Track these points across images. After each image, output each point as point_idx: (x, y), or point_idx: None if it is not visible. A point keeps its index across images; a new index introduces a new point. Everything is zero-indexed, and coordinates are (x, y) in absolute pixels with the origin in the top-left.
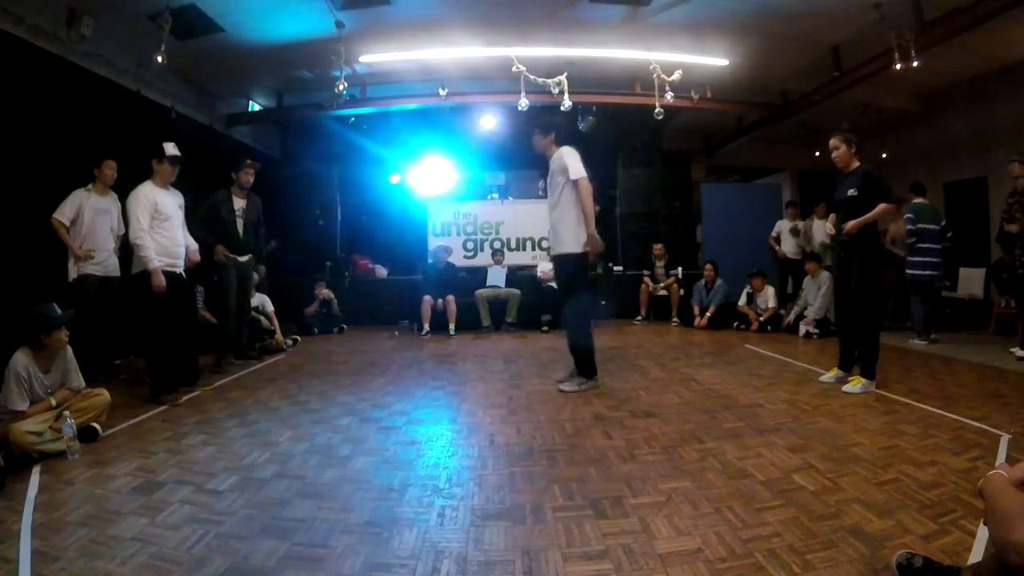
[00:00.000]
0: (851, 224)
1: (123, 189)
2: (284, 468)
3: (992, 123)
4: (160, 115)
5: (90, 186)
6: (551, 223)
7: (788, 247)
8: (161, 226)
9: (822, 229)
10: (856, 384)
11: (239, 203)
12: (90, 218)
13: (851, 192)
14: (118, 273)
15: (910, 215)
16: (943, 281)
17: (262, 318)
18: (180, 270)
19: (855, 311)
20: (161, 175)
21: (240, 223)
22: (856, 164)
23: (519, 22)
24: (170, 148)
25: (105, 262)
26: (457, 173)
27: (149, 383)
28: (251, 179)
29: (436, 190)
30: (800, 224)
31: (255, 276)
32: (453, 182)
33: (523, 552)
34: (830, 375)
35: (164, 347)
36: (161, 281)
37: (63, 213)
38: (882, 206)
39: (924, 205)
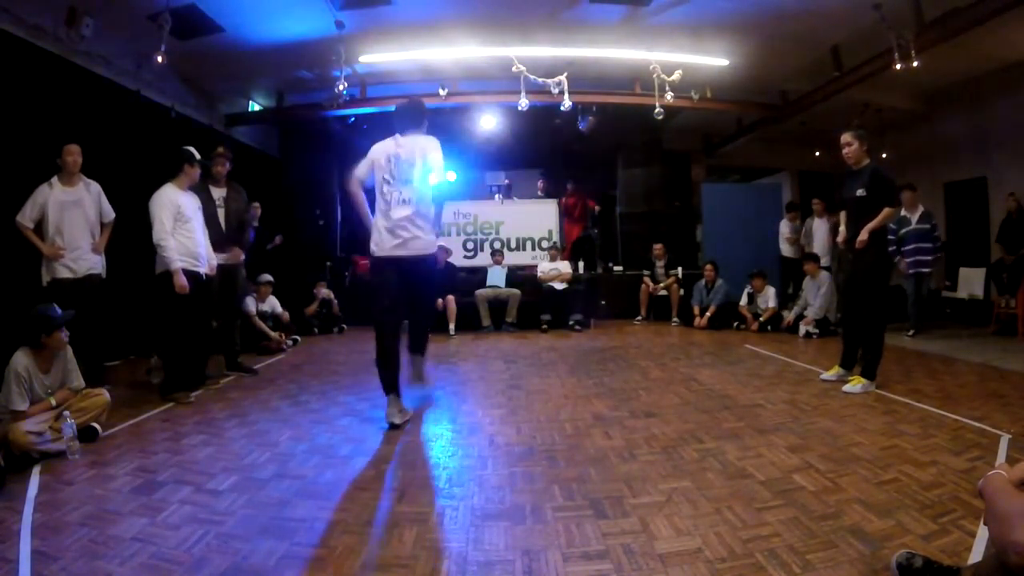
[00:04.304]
0: (861, 239)
1: (124, 189)
2: (284, 468)
3: (992, 123)
4: (160, 115)
5: (53, 179)
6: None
7: (788, 248)
8: (184, 228)
9: (822, 227)
10: (856, 384)
11: (217, 192)
12: (56, 214)
13: (859, 192)
14: (99, 270)
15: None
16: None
17: (268, 322)
18: (202, 270)
19: (862, 312)
20: (188, 177)
21: (221, 213)
22: (866, 161)
23: (519, 22)
24: (197, 153)
25: (79, 260)
26: (457, 174)
27: (161, 380)
28: (225, 168)
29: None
30: (798, 224)
31: (242, 273)
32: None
33: (523, 552)
34: (831, 373)
35: (182, 346)
36: (182, 281)
37: (24, 215)
38: (886, 211)
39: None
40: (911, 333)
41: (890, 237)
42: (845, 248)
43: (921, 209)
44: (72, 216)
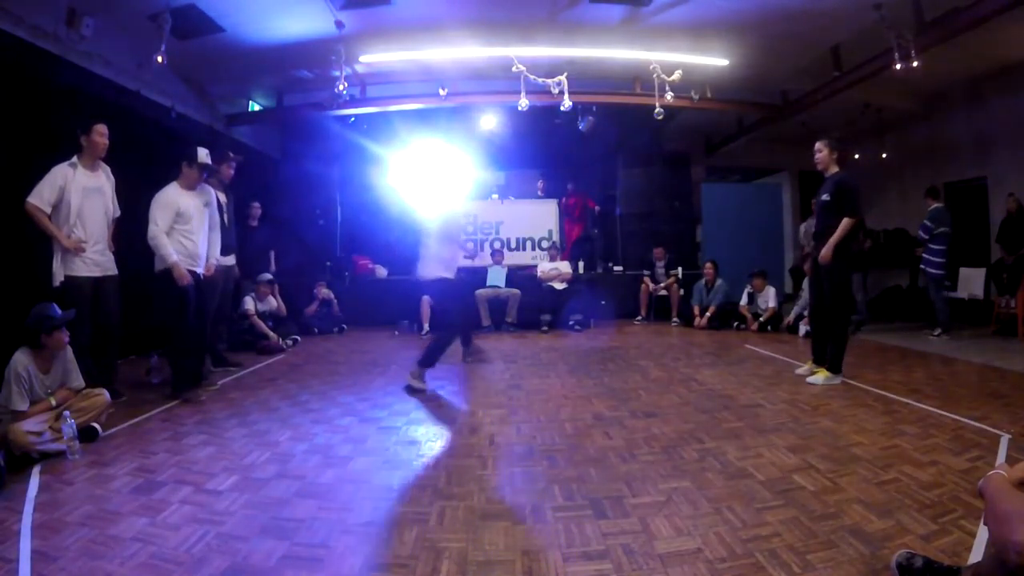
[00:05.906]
0: (825, 253)
1: (123, 190)
2: (284, 468)
3: (992, 123)
4: (160, 115)
5: (75, 159)
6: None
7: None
8: (183, 228)
9: None
10: (819, 376)
11: (223, 198)
12: (78, 201)
13: (824, 197)
14: (115, 271)
15: (928, 223)
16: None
17: (268, 322)
18: (199, 270)
19: (827, 313)
20: (187, 178)
21: (226, 218)
22: (834, 170)
23: (519, 22)
24: (203, 155)
25: (100, 257)
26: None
27: (161, 380)
28: (232, 173)
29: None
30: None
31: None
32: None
33: (523, 552)
34: (806, 367)
35: (187, 344)
36: (183, 272)
37: (41, 197)
38: (846, 222)
39: (941, 209)
40: (938, 333)
41: (923, 235)
42: (811, 252)
43: (934, 207)
44: (94, 205)
